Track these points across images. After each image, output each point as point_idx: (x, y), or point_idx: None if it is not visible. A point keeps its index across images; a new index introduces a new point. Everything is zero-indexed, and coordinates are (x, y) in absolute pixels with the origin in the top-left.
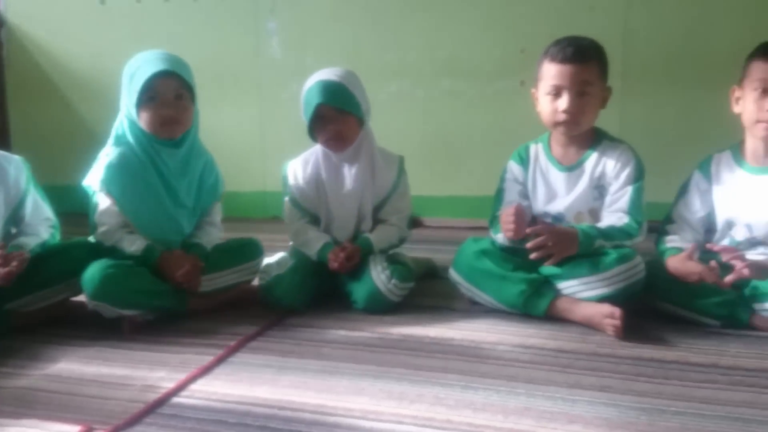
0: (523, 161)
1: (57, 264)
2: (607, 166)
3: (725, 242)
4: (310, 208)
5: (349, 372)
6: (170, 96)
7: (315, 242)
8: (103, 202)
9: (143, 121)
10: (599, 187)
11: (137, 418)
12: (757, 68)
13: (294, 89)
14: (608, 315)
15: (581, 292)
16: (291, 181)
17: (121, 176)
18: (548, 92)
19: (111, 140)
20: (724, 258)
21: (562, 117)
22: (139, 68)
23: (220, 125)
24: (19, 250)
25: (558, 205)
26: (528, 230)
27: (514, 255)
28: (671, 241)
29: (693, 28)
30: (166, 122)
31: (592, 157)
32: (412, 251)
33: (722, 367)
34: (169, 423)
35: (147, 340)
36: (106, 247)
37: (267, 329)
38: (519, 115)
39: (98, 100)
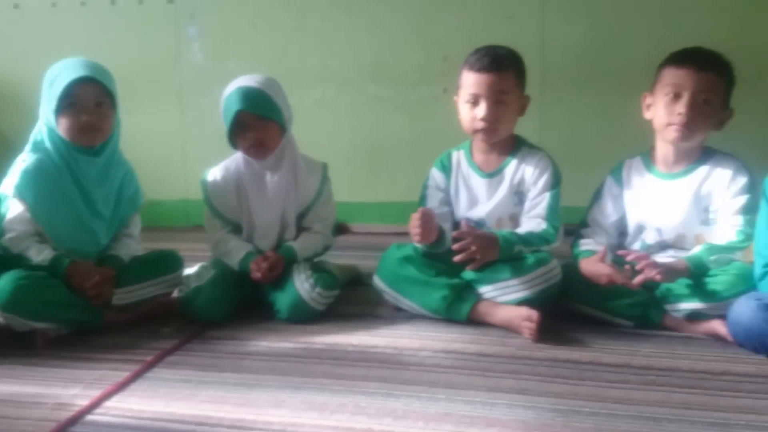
0: (445, 168)
1: None
2: (526, 172)
3: (637, 245)
4: (231, 217)
5: (270, 384)
6: (90, 103)
7: (236, 252)
8: (14, 208)
9: (62, 127)
10: (519, 193)
11: None
12: (669, 74)
13: (216, 95)
14: (526, 318)
15: (501, 296)
16: (211, 189)
17: (36, 183)
18: (467, 100)
19: (29, 146)
20: (631, 259)
21: (480, 125)
22: (60, 74)
23: (139, 132)
24: None
25: (479, 211)
26: (454, 233)
27: (436, 261)
28: (585, 244)
29: (606, 38)
30: (86, 129)
31: (512, 164)
32: (338, 258)
33: (635, 367)
34: None
35: (61, 355)
36: (12, 255)
37: (186, 343)
38: (443, 121)
39: (13, 107)
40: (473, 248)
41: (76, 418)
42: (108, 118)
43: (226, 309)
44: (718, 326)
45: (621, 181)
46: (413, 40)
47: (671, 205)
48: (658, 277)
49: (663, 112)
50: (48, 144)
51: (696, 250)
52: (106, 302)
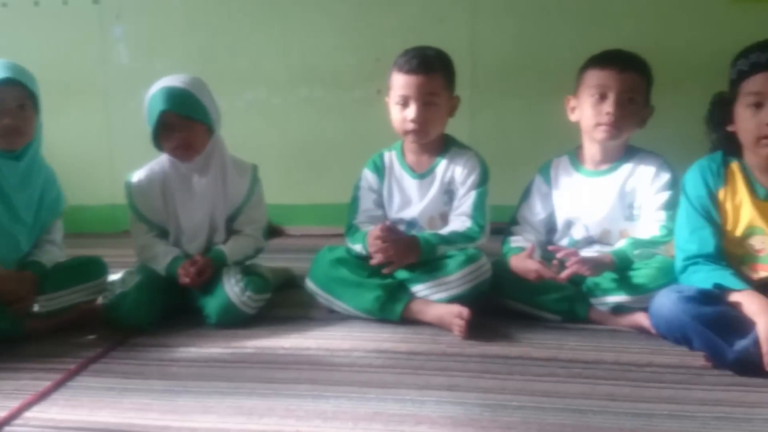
0: (378, 169)
1: None
2: (456, 171)
3: (565, 241)
4: (157, 221)
5: (197, 390)
6: (12, 105)
7: (163, 257)
8: None
9: None
10: (449, 192)
11: None
12: (592, 76)
13: (143, 97)
14: (457, 315)
15: (434, 294)
16: (135, 192)
17: None
18: (397, 102)
19: None
20: (561, 256)
21: (410, 126)
22: None
23: (64, 136)
24: None
25: (412, 211)
26: (375, 236)
27: (369, 262)
28: (515, 241)
29: (535, 40)
30: (7, 132)
31: (442, 164)
32: (272, 261)
33: (562, 360)
34: None
35: None
36: None
37: (111, 350)
38: (376, 123)
39: None
40: (390, 252)
41: None
42: (30, 120)
43: (153, 315)
44: (641, 319)
45: (549, 179)
46: (345, 42)
47: (597, 202)
48: (586, 272)
49: (590, 113)
50: None
51: (621, 244)
52: (27, 310)
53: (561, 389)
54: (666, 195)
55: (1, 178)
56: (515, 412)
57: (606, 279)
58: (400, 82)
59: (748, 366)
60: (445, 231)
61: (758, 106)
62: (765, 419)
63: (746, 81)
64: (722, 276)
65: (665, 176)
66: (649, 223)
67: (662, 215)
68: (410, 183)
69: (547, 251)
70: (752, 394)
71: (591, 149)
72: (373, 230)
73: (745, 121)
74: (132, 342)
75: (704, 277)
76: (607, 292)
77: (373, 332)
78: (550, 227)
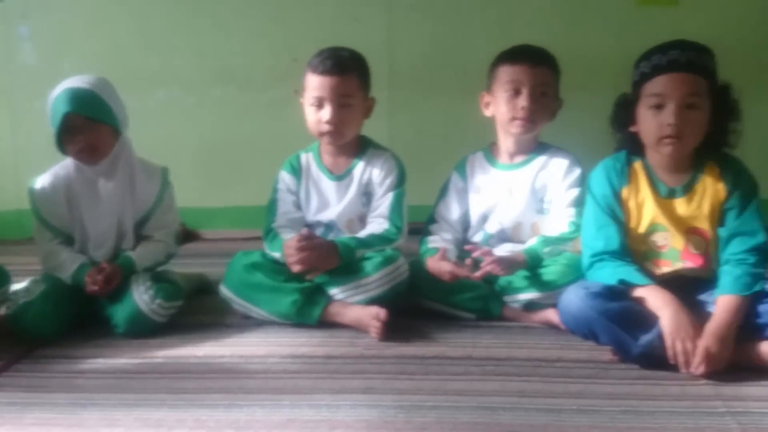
0: (295, 171)
1: None
2: (373, 173)
3: (479, 235)
4: (62, 227)
5: (104, 403)
6: None
7: (69, 264)
8: None
9: None
10: (367, 194)
11: None
12: (505, 72)
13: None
14: (374, 316)
15: (352, 296)
16: (38, 198)
17: None
18: (312, 103)
19: None
20: (476, 255)
21: (325, 128)
22: None
23: None
24: None
25: (330, 214)
26: (294, 245)
27: (286, 266)
28: (432, 241)
29: (451, 40)
30: None
31: (359, 166)
32: (187, 267)
33: (476, 359)
34: None
35: None
36: None
37: (14, 363)
38: (294, 123)
39: None
40: (312, 259)
41: None
42: None
43: (59, 325)
44: (552, 315)
45: (465, 175)
46: (260, 42)
47: (511, 195)
48: (500, 272)
49: (505, 107)
50: None
51: (531, 242)
52: None
53: (475, 387)
54: (575, 192)
55: None
56: (430, 412)
57: (518, 277)
58: (314, 84)
59: (653, 359)
60: (363, 234)
61: (659, 107)
62: (668, 412)
63: (648, 83)
64: (627, 272)
65: (576, 173)
66: (558, 220)
67: (571, 212)
68: (328, 185)
69: (463, 250)
70: (657, 387)
71: (506, 143)
72: (289, 241)
73: (647, 122)
74: (37, 354)
75: (610, 274)
76: (518, 289)
77: (290, 337)
78: (467, 225)
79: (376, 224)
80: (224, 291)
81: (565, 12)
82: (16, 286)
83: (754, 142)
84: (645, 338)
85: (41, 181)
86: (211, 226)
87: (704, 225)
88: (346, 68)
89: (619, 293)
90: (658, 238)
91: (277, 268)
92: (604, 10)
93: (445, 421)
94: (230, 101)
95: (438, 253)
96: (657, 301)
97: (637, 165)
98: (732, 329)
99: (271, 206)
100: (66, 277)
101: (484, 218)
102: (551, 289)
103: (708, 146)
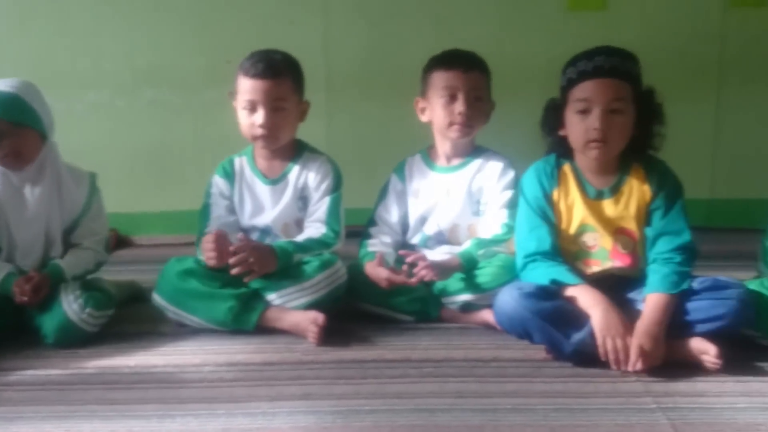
0: (228, 175)
1: None
2: (309, 177)
3: (417, 237)
4: None
5: (32, 416)
6: None
7: None
8: None
9: None
10: (303, 198)
11: None
12: (439, 78)
13: None
14: (312, 321)
15: (290, 301)
16: None
17: None
18: (244, 107)
19: None
20: (410, 261)
21: (259, 132)
22: None
23: None
24: None
25: (265, 218)
26: (231, 248)
27: (220, 272)
28: (371, 245)
29: (388, 43)
30: None
31: (295, 170)
32: (119, 274)
33: (414, 361)
34: None
35: None
36: None
37: None
38: (227, 126)
39: None
40: (250, 260)
41: None
42: None
43: None
44: (488, 315)
45: (404, 177)
46: (193, 43)
47: (449, 197)
48: (435, 278)
49: (442, 113)
50: None
51: (466, 245)
52: None
53: (413, 390)
54: (509, 194)
55: None
56: (367, 416)
57: (454, 279)
58: (246, 87)
59: (585, 357)
60: (300, 238)
61: (585, 112)
62: (600, 408)
63: (575, 88)
64: (558, 272)
65: (510, 175)
66: (492, 222)
67: (504, 213)
68: (262, 189)
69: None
70: (589, 384)
71: (443, 146)
72: (206, 236)
73: (574, 126)
74: None
75: (542, 274)
76: (455, 291)
77: (226, 345)
78: (407, 226)
79: (314, 229)
80: (157, 299)
81: (498, 17)
82: None
83: (678, 144)
84: (577, 336)
85: None
86: (143, 231)
87: (631, 225)
88: (279, 72)
89: (551, 293)
90: (588, 239)
91: (212, 275)
92: (536, 15)
93: (383, 425)
94: (162, 103)
95: (375, 259)
96: (587, 300)
97: (567, 168)
98: (662, 326)
99: (204, 211)
100: None
101: (423, 220)
102: (486, 290)
103: (634, 149)
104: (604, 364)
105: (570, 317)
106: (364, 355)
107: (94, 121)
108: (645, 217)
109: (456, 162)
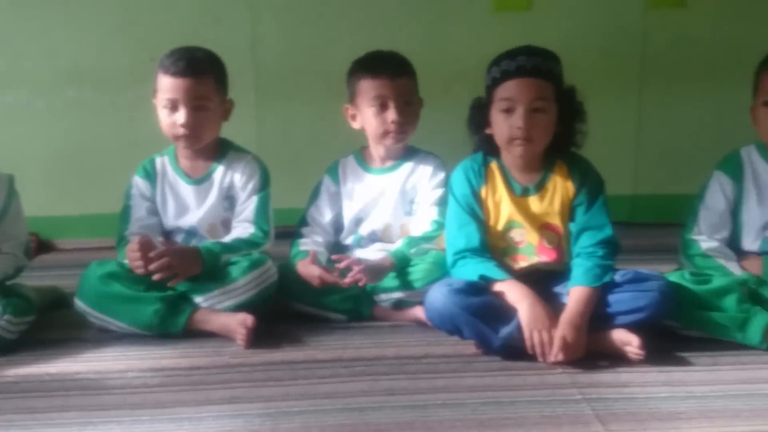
0: (149, 175)
1: None
2: (235, 177)
3: (351, 238)
4: None
5: None
6: None
7: None
8: None
9: None
10: (229, 198)
11: None
12: (367, 86)
13: None
14: (241, 323)
15: (219, 303)
16: None
17: None
18: (165, 105)
19: None
20: (343, 266)
21: (180, 131)
22: None
23: None
24: None
25: (190, 219)
26: (151, 254)
27: (145, 274)
28: (303, 244)
29: (317, 43)
30: None
31: (220, 169)
32: (40, 279)
33: (345, 360)
34: None
35: None
36: None
37: None
38: (152, 126)
39: None
40: (174, 264)
41: None
42: None
43: None
44: (419, 312)
45: (338, 178)
46: (116, 41)
47: (382, 198)
48: (369, 281)
49: (375, 122)
50: None
51: (398, 244)
52: None
53: (343, 389)
54: (439, 192)
55: None
56: (296, 417)
57: (386, 277)
58: (167, 85)
59: (513, 351)
60: (228, 239)
61: (509, 111)
62: (527, 401)
63: (498, 87)
64: (487, 268)
65: (440, 175)
66: (422, 219)
67: (434, 210)
68: (186, 189)
69: (334, 252)
70: (517, 377)
71: (377, 150)
72: (131, 245)
73: (499, 125)
74: None
75: (471, 270)
76: (387, 289)
77: (151, 350)
78: (339, 227)
79: (242, 228)
80: (79, 304)
81: (426, 17)
82: None
83: (602, 142)
84: (505, 331)
85: None
86: (66, 235)
87: (556, 221)
88: (201, 70)
89: (480, 289)
90: (515, 235)
91: (136, 277)
92: (464, 16)
93: (312, 426)
94: (84, 103)
95: (308, 257)
96: (515, 294)
97: (494, 165)
98: (585, 318)
99: (124, 213)
100: None
101: (358, 221)
102: (417, 288)
103: (557, 147)
104: (532, 357)
105: (498, 312)
106: (294, 356)
107: (12, 122)
108: (569, 212)
109: (390, 163)
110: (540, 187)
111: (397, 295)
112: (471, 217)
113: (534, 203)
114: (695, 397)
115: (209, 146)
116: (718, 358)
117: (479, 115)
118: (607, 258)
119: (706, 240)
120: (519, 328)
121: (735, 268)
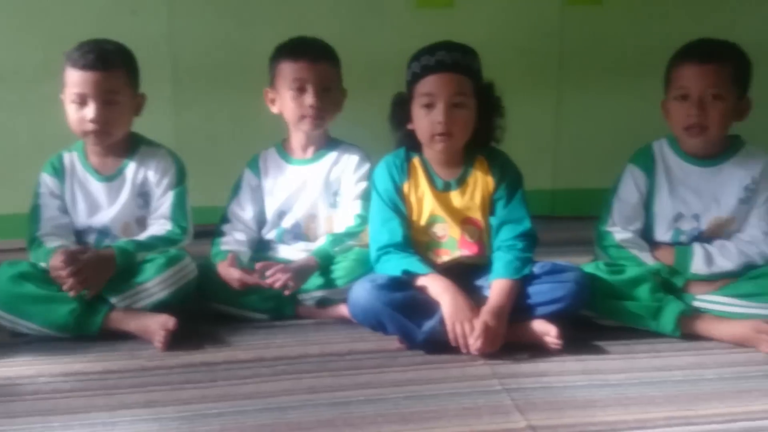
0: (58, 172)
1: None
2: (149, 173)
3: (274, 232)
4: None
5: None
6: None
7: None
8: None
9: None
10: (143, 195)
11: None
12: (288, 68)
13: None
14: (162, 325)
15: (137, 302)
16: None
17: None
18: (73, 100)
19: None
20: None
21: (89, 127)
22: None
23: None
24: None
25: (102, 218)
26: (64, 272)
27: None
28: (225, 243)
29: (236, 35)
30: None
31: (131, 166)
32: None
33: (268, 360)
34: None
35: None
36: None
37: None
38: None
39: None
40: (84, 277)
41: None
42: None
43: None
44: (344, 309)
45: (259, 171)
46: (28, 35)
47: (306, 189)
48: (294, 286)
49: (293, 105)
50: None
51: (321, 242)
52: None
53: (264, 389)
54: (363, 185)
55: None
56: (214, 420)
57: None
58: (75, 79)
59: (436, 344)
60: (143, 236)
61: (430, 106)
62: (449, 393)
63: (419, 83)
64: (410, 263)
65: (365, 167)
66: (345, 214)
67: (358, 204)
68: (96, 187)
69: (258, 251)
70: (440, 370)
71: (297, 138)
72: (53, 262)
73: (420, 120)
74: None
75: (394, 265)
76: (310, 287)
77: (63, 353)
78: (262, 222)
79: (158, 225)
80: None
81: (349, 11)
82: None
83: (522, 137)
84: (428, 324)
85: None
86: None
87: (477, 215)
88: (111, 63)
89: (403, 284)
90: (438, 229)
91: (50, 277)
92: (386, 12)
93: (230, 428)
94: None
95: (227, 259)
96: (437, 288)
97: (416, 161)
98: (506, 309)
99: (34, 213)
100: None
101: (281, 214)
102: (341, 285)
103: (477, 142)
104: (454, 351)
105: (421, 306)
106: (214, 357)
107: None
108: (489, 206)
109: (311, 154)
110: (461, 182)
111: (321, 293)
112: (394, 213)
113: (455, 198)
114: (611, 384)
115: (120, 142)
116: (633, 347)
117: (401, 110)
118: (526, 251)
119: (619, 231)
120: (442, 321)
121: (648, 259)
